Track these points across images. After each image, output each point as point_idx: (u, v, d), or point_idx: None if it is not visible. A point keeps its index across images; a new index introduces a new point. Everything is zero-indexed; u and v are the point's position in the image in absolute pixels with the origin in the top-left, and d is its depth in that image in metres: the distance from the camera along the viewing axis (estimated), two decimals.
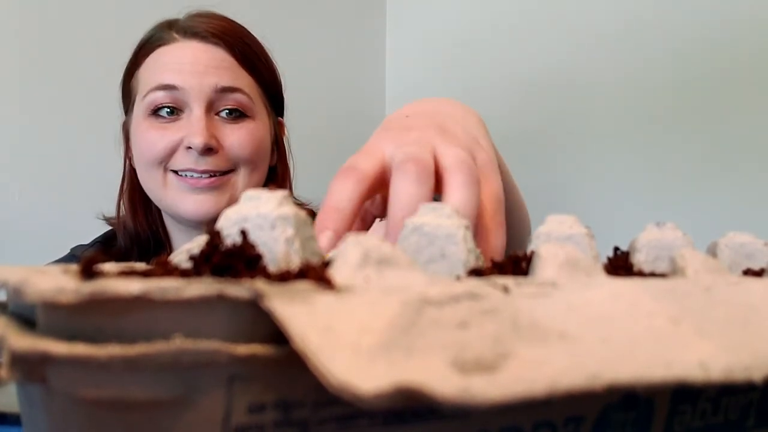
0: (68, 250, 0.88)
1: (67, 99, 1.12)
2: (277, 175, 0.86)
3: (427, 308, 0.19)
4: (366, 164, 0.36)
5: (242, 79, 0.78)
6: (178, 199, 0.76)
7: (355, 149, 0.39)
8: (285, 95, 0.88)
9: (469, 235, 0.28)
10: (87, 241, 0.90)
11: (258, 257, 0.22)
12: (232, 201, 0.75)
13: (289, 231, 0.24)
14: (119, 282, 0.18)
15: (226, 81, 0.76)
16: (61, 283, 0.17)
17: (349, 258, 0.22)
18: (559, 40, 1.20)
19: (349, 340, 0.17)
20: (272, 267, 0.23)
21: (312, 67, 1.07)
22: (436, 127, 0.38)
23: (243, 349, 0.18)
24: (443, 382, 0.16)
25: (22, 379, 0.17)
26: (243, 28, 0.82)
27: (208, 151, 0.74)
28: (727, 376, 0.20)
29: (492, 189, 0.37)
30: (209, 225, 0.76)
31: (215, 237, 0.22)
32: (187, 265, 0.22)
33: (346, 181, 0.36)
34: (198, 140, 0.73)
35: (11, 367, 0.17)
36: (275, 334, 0.18)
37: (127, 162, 0.84)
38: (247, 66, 0.79)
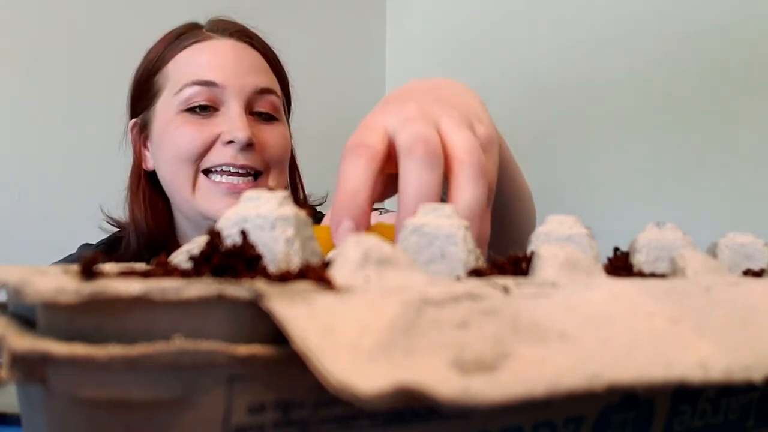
0: (70, 250, 0.87)
1: (67, 99, 1.12)
2: (292, 181, 0.87)
3: (427, 308, 0.19)
4: (373, 140, 0.34)
5: (275, 83, 0.81)
6: (209, 201, 0.75)
7: None
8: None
9: (469, 235, 0.28)
10: (87, 240, 0.90)
11: (258, 258, 0.22)
12: None
13: (289, 231, 0.24)
14: (119, 282, 0.18)
15: (265, 83, 0.78)
16: (61, 284, 0.17)
17: (349, 258, 0.22)
18: (559, 39, 1.20)
19: (349, 340, 0.17)
20: (272, 267, 0.23)
21: (311, 67, 1.07)
22: (435, 99, 0.37)
23: (243, 349, 0.18)
24: (443, 382, 0.16)
25: (22, 379, 0.17)
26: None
27: (249, 146, 0.74)
28: (727, 377, 0.20)
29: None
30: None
31: (215, 237, 0.22)
32: (187, 265, 0.22)
33: (359, 161, 0.33)
34: (242, 134, 0.73)
35: (11, 367, 0.17)
36: (275, 334, 0.18)
37: (139, 163, 0.83)
38: (276, 71, 0.82)
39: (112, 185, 1.13)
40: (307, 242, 0.25)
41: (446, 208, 0.29)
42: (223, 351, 0.18)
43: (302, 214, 0.25)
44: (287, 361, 0.18)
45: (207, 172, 0.76)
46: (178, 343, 0.17)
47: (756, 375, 0.20)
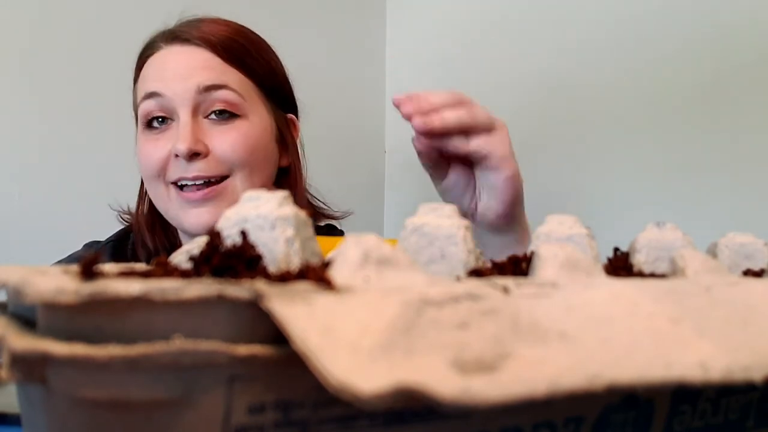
0: (70, 250, 0.87)
1: (67, 99, 1.12)
2: (288, 176, 0.83)
3: (427, 309, 0.19)
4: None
5: (228, 76, 0.75)
6: (180, 213, 0.74)
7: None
8: None
9: (469, 235, 0.28)
10: (88, 239, 0.89)
11: (258, 258, 0.22)
12: None
13: (289, 231, 0.24)
14: (119, 283, 0.18)
15: (208, 79, 0.73)
16: (61, 284, 0.17)
17: (349, 258, 0.22)
18: (560, 40, 1.20)
19: (349, 340, 0.17)
20: (272, 267, 0.23)
21: (311, 67, 1.07)
22: None
23: (243, 349, 0.18)
24: (443, 382, 0.16)
25: (22, 379, 0.17)
26: (234, 25, 0.80)
27: (194, 156, 0.71)
28: (727, 377, 0.20)
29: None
30: None
31: (215, 238, 0.22)
32: (187, 265, 0.22)
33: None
34: (182, 146, 0.70)
35: (11, 367, 0.17)
36: (275, 334, 0.18)
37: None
38: (234, 62, 0.76)
39: (113, 185, 1.13)
40: (307, 242, 0.25)
41: (446, 208, 0.29)
42: (223, 351, 0.18)
43: (302, 214, 0.25)
44: (287, 361, 0.18)
45: (174, 183, 0.74)
46: (178, 343, 0.17)
47: (756, 375, 0.20)
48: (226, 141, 0.73)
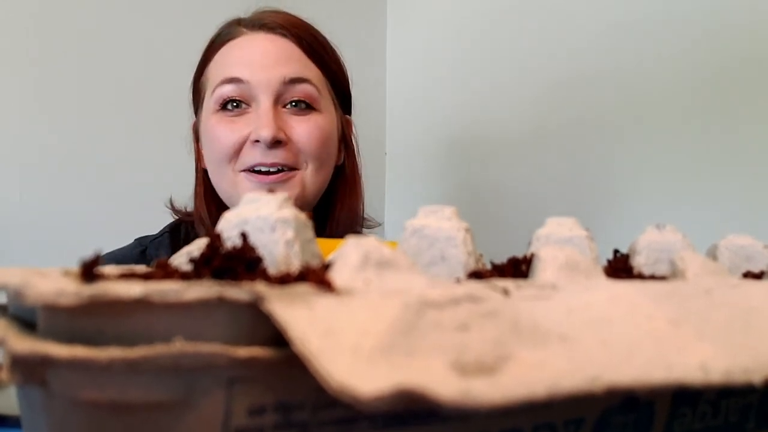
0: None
1: (68, 99, 1.12)
2: (346, 174, 0.84)
3: (427, 311, 0.19)
4: None
5: (310, 71, 0.77)
6: None
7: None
8: None
9: (469, 237, 0.28)
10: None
11: (258, 260, 0.22)
12: (300, 199, 0.74)
13: (289, 233, 0.24)
14: (120, 285, 0.18)
15: (293, 72, 0.75)
16: (61, 286, 0.17)
17: (349, 260, 0.22)
18: (560, 39, 1.20)
19: (349, 342, 0.17)
20: (272, 269, 0.23)
21: None
22: None
23: (243, 351, 0.18)
24: (444, 384, 0.16)
25: (22, 381, 0.17)
26: (308, 22, 0.82)
27: (276, 143, 0.72)
28: (727, 379, 0.20)
29: None
30: None
31: (215, 240, 0.22)
32: (187, 267, 0.22)
33: None
34: (266, 133, 0.71)
35: (11, 369, 0.17)
36: (275, 336, 0.18)
37: (198, 164, 0.83)
38: (315, 57, 0.78)
39: (114, 185, 1.13)
40: (307, 244, 0.25)
41: (446, 210, 0.29)
42: (223, 353, 0.18)
43: (302, 216, 0.25)
44: (287, 363, 0.18)
45: (244, 171, 0.75)
46: (179, 346, 0.17)
47: (756, 377, 0.20)
48: (303, 131, 0.74)
